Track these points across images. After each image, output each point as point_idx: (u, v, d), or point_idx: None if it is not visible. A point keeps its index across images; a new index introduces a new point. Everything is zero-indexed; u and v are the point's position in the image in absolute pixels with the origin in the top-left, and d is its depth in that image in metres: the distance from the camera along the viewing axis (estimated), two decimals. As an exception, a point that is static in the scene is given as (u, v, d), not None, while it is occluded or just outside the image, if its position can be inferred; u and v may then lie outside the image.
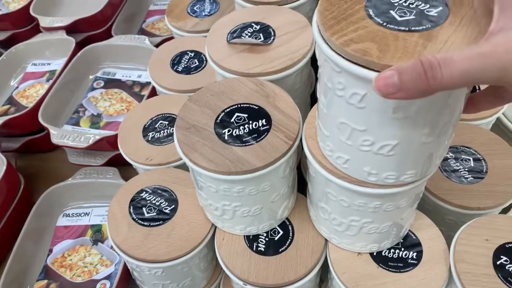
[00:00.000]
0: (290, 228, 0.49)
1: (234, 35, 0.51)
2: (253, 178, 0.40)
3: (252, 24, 0.52)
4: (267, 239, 0.48)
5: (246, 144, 0.41)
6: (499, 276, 0.41)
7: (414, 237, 0.47)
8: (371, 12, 0.30)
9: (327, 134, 0.36)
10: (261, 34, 0.51)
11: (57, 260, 0.65)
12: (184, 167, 0.56)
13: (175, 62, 0.67)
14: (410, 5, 0.30)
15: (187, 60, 0.67)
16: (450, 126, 0.33)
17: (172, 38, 0.75)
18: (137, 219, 0.50)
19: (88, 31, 0.89)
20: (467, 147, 0.53)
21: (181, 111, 0.44)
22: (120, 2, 0.96)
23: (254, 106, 0.44)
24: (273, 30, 0.51)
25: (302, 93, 0.53)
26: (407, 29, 0.29)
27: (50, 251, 0.67)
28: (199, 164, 0.40)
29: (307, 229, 0.49)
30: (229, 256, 0.48)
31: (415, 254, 0.46)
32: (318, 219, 0.47)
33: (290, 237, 0.48)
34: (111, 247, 0.66)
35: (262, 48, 0.50)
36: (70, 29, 0.87)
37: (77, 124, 0.77)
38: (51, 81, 0.84)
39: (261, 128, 0.42)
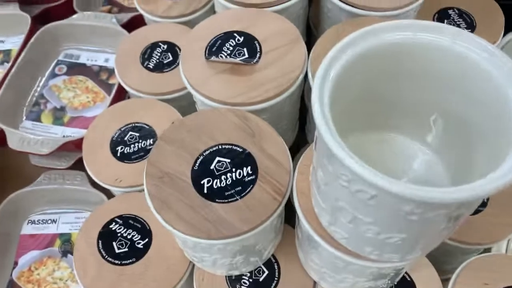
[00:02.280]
0: (276, 267, 0.45)
1: (214, 50, 0.44)
2: (236, 241, 0.35)
3: (235, 34, 0.45)
4: (251, 280, 0.45)
5: (229, 200, 0.36)
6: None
7: (409, 279, 0.44)
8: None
9: (324, 206, 0.31)
10: (245, 49, 0.44)
11: (23, 274, 0.61)
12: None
13: (145, 56, 0.59)
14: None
15: (159, 54, 0.59)
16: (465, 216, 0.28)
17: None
18: (107, 257, 0.45)
19: (45, 3, 0.78)
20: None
21: (153, 154, 0.38)
22: (82, -35, 0.84)
23: (238, 149, 0.38)
24: (259, 44, 0.44)
25: (292, 113, 0.47)
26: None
27: (16, 263, 0.62)
28: (175, 227, 0.35)
29: (294, 269, 0.45)
30: (208, 300, 0.44)
31: (408, 301, 0.43)
32: (307, 263, 0.43)
33: (276, 278, 0.45)
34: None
35: (246, 68, 0.43)
36: (25, 1, 0.77)
37: (38, 119, 0.69)
38: (6, 64, 0.75)
39: (246, 179, 0.36)
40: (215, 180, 0.36)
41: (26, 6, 0.77)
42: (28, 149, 0.60)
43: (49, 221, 0.65)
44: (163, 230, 0.47)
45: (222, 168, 0.37)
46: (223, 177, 0.37)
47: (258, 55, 0.43)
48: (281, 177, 0.36)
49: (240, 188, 0.36)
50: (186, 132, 0.39)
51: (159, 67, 0.58)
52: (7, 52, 0.76)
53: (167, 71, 0.58)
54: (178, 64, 0.57)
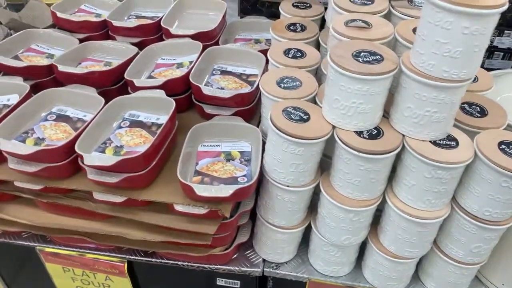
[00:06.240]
0: (380, 129, 0.84)
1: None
2: (377, 81, 0.76)
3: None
4: (368, 133, 0.83)
5: (374, 63, 0.77)
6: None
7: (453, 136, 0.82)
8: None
9: (422, 52, 0.73)
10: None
11: (203, 167, 0.96)
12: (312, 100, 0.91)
13: (286, 52, 1.04)
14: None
15: (294, 52, 1.05)
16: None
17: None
18: (289, 119, 0.84)
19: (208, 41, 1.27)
20: (477, 100, 0.90)
21: (332, 49, 0.81)
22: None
23: (373, 50, 0.81)
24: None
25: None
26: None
27: (197, 163, 0.97)
28: (346, 69, 0.76)
29: (390, 130, 0.83)
30: (345, 139, 0.81)
31: (454, 143, 0.81)
32: (399, 120, 0.82)
33: (381, 134, 0.83)
34: (241, 162, 0.97)
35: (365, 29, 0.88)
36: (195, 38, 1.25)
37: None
38: (182, 69, 1.19)
39: (378, 59, 0.79)
40: (364, 59, 0.78)
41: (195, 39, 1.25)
42: (213, 93, 1.01)
43: (215, 146, 1.02)
44: (317, 114, 0.86)
45: (366, 57, 0.79)
46: (366, 58, 0.79)
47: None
48: (394, 57, 0.79)
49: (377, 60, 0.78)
50: (343, 47, 0.82)
51: (295, 57, 1.03)
52: (180, 63, 1.22)
53: (299, 58, 1.02)
54: (305, 56, 1.03)
